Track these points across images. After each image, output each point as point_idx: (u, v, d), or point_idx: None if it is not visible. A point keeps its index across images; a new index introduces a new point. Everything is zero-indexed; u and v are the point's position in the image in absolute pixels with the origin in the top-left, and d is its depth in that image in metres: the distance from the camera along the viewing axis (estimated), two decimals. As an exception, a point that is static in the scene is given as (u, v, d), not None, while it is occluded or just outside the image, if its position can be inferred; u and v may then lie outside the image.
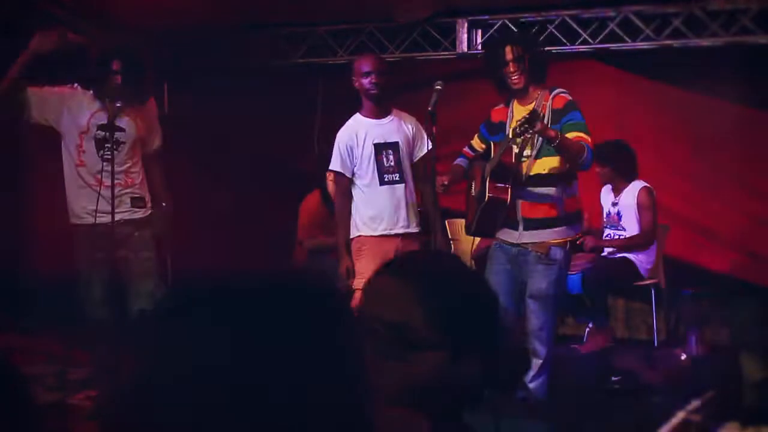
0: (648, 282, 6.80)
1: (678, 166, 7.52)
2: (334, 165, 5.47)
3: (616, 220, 6.81)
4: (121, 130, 5.16)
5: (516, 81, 4.86)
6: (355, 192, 5.47)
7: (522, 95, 4.97)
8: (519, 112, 4.96)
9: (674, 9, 6.75)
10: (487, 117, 5.22)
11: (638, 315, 7.55)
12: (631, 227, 6.71)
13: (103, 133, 5.11)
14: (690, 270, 7.16)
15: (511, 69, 4.84)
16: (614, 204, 6.81)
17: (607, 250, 6.86)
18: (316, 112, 8.40)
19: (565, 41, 7.04)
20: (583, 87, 7.79)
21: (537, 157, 4.89)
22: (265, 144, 8.42)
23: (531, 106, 4.87)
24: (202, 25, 7.27)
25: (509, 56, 4.85)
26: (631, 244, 6.68)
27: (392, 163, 5.41)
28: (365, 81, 5.36)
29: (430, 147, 5.37)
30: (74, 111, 5.15)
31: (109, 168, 4.99)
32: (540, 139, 4.83)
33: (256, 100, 7.92)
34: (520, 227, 4.95)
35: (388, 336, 1.43)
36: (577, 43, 7.04)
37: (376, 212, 5.38)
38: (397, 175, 5.40)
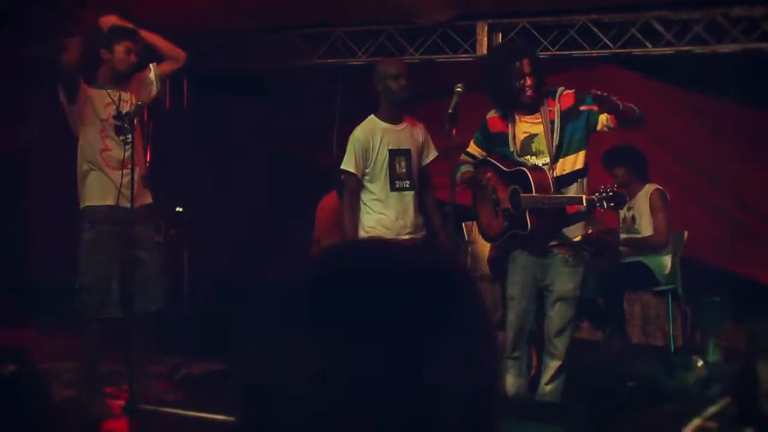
0: (665, 288, 6.77)
1: (700, 168, 7.51)
2: (348, 165, 5.44)
3: (630, 224, 6.79)
4: (127, 114, 5.21)
5: (531, 95, 4.82)
6: (364, 195, 5.48)
7: (526, 107, 4.93)
8: (523, 121, 4.93)
9: (695, 15, 6.72)
10: (483, 123, 5.12)
11: (655, 321, 7.53)
12: (645, 230, 6.70)
13: (117, 122, 5.20)
14: (709, 274, 7.14)
15: (529, 83, 4.80)
16: (629, 208, 6.78)
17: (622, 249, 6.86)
18: (334, 113, 8.42)
19: (585, 45, 7.03)
20: (603, 90, 7.78)
21: (555, 161, 4.87)
22: (284, 144, 8.45)
23: (536, 119, 4.87)
24: (222, 27, 7.30)
25: (527, 69, 4.81)
26: (643, 243, 6.67)
27: (404, 170, 5.43)
28: (394, 84, 5.36)
29: (435, 154, 5.56)
30: (96, 104, 5.25)
31: (129, 150, 5.12)
32: (555, 144, 4.83)
33: (275, 101, 7.95)
34: (543, 244, 4.96)
35: None
36: (597, 48, 7.02)
37: (385, 217, 5.41)
38: (408, 182, 5.43)
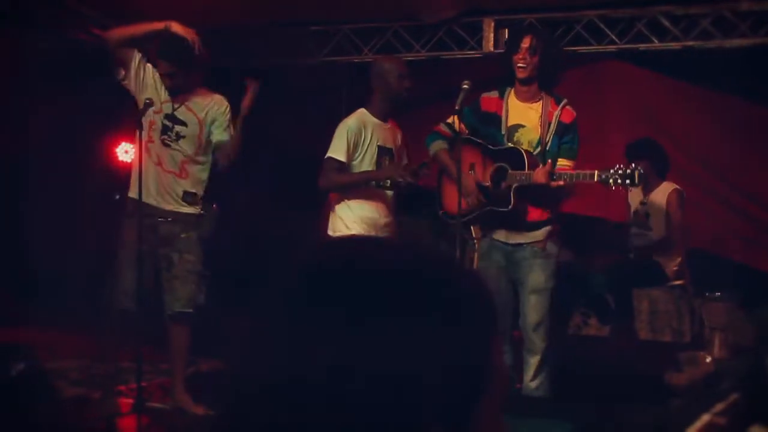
0: (673, 283, 6.76)
1: (706, 162, 7.50)
2: (338, 152, 5.27)
3: (643, 219, 6.77)
4: (182, 123, 5.21)
5: (521, 69, 4.84)
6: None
7: (523, 92, 4.92)
8: (516, 108, 4.93)
9: (702, 10, 6.70)
10: (475, 101, 5.07)
11: (663, 317, 7.51)
12: (658, 228, 6.68)
13: (167, 122, 5.22)
14: (718, 268, 7.12)
15: (521, 56, 4.83)
16: (642, 203, 6.76)
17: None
18: (340, 110, 8.40)
19: (592, 41, 7.01)
20: (610, 87, 7.78)
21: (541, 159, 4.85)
22: (290, 141, 8.44)
23: (533, 106, 4.87)
24: (228, 23, 7.30)
25: (525, 44, 4.84)
26: (654, 248, 6.66)
27: None
28: (399, 83, 5.31)
29: (405, 162, 5.47)
30: (157, 88, 5.25)
31: (169, 154, 5.20)
32: (542, 145, 4.82)
33: (281, 98, 7.93)
34: (517, 227, 4.92)
35: None
36: (604, 43, 7.00)
37: (368, 213, 5.34)
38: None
